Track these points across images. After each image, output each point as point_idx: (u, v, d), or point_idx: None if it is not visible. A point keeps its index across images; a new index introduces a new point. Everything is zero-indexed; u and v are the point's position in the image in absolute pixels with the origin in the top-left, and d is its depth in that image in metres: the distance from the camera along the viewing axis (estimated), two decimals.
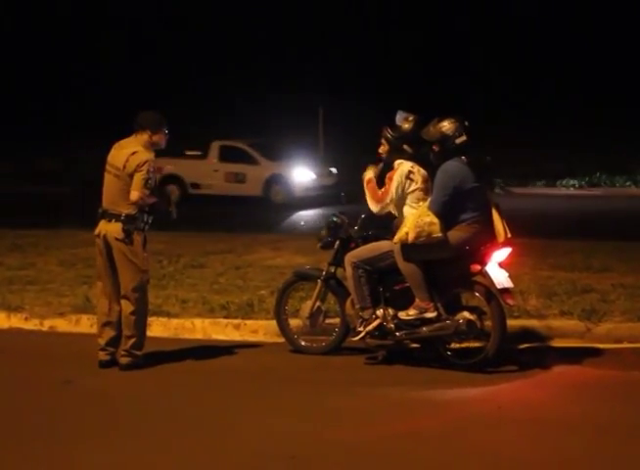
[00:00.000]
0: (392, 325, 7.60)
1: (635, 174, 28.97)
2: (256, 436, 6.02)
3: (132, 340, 7.61)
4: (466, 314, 7.44)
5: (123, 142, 7.74)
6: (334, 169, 24.94)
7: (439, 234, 7.28)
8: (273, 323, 8.43)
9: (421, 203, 7.57)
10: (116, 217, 7.54)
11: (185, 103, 35.35)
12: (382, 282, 7.75)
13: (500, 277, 7.39)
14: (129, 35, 40.65)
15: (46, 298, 9.91)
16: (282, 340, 8.33)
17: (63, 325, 9.20)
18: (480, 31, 38.66)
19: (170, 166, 24.27)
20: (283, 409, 6.61)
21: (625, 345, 8.22)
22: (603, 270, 10.82)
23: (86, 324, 8.97)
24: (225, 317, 9.02)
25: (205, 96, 37.81)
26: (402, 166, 7.69)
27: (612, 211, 21.57)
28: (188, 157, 25.12)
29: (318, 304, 8.09)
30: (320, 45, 37.76)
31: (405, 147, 7.71)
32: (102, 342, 7.71)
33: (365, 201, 7.84)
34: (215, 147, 24.81)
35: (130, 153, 7.56)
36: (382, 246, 7.72)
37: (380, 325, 7.62)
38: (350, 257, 7.77)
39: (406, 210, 7.63)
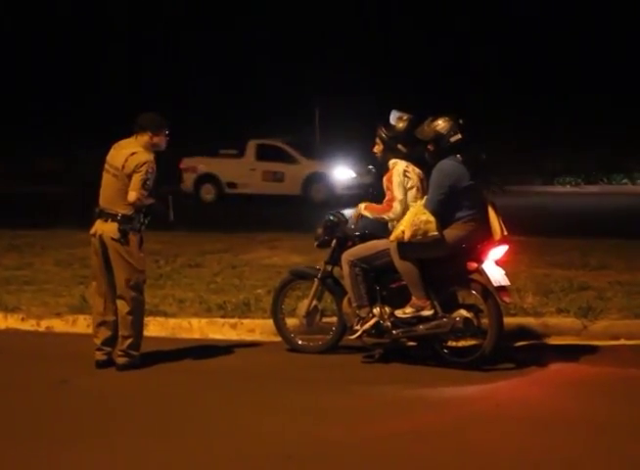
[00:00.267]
0: (389, 323, 7.60)
1: (632, 172, 29.02)
2: (253, 435, 6.01)
3: (129, 340, 7.60)
4: (462, 312, 7.44)
5: (123, 142, 7.74)
6: (372, 167, 24.86)
7: (436, 232, 7.28)
8: (270, 322, 8.44)
9: (417, 201, 7.58)
10: (113, 217, 7.54)
11: (187, 105, 35.37)
12: (378, 280, 7.75)
13: (497, 275, 7.39)
14: (129, 35, 40.58)
15: (43, 298, 9.90)
16: (279, 339, 8.33)
17: (59, 325, 9.20)
18: (481, 31, 38.65)
19: (204, 166, 24.24)
20: (280, 408, 6.60)
21: (622, 342, 8.24)
22: (600, 268, 10.84)
23: (83, 324, 8.97)
24: (222, 317, 9.03)
25: (207, 98, 37.80)
26: (397, 166, 7.70)
27: (608, 209, 21.59)
28: (223, 156, 25.07)
29: (315, 302, 8.09)
30: (320, 45, 37.72)
31: (400, 146, 7.73)
32: (98, 342, 7.70)
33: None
34: (252, 146, 24.72)
35: (130, 153, 7.56)
36: (378, 244, 7.72)
37: (376, 323, 7.62)
38: (347, 255, 7.77)
39: None
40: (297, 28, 37.77)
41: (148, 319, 8.42)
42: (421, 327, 7.50)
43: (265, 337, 8.66)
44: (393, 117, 7.74)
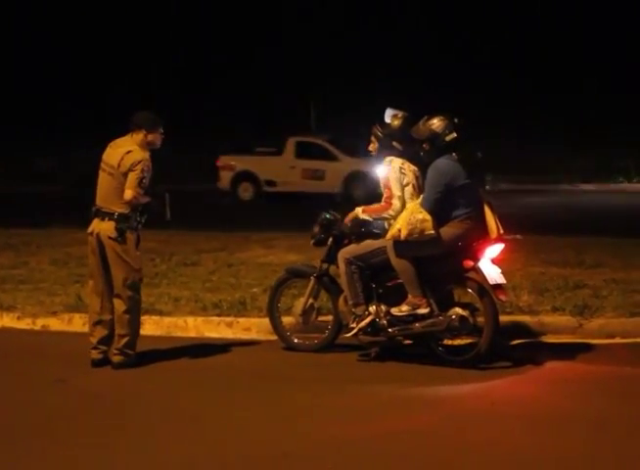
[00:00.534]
0: (385, 321, 7.60)
1: (629, 170, 29.05)
2: (249, 433, 6.01)
3: (125, 339, 7.60)
4: (458, 310, 7.44)
5: (119, 141, 7.74)
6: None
7: (432, 231, 7.29)
8: (266, 321, 8.44)
9: (413, 198, 7.59)
10: (110, 216, 7.53)
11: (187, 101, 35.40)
12: (374, 279, 7.75)
13: (493, 273, 7.40)
14: (129, 35, 40.54)
15: (38, 297, 9.89)
16: (275, 337, 8.33)
17: (55, 324, 9.19)
18: (481, 31, 38.69)
19: (241, 164, 24.05)
20: (275, 407, 6.60)
21: (617, 340, 8.24)
22: (595, 266, 10.83)
23: (79, 323, 8.96)
24: (218, 315, 9.02)
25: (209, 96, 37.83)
26: (393, 163, 7.71)
27: (604, 208, 21.59)
28: (261, 154, 24.76)
29: (311, 301, 8.09)
30: (320, 45, 37.71)
31: (395, 144, 7.73)
32: (94, 340, 7.70)
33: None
34: (291, 143, 24.33)
35: (125, 152, 7.56)
36: (374, 242, 7.72)
37: (372, 321, 7.62)
38: (343, 253, 7.77)
39: None
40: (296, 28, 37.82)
41: (143, 318, 8.38)
42: (417, 325, 7.50)
43: (261, 335, 8.65)
44: (388, 115, 7.76)
